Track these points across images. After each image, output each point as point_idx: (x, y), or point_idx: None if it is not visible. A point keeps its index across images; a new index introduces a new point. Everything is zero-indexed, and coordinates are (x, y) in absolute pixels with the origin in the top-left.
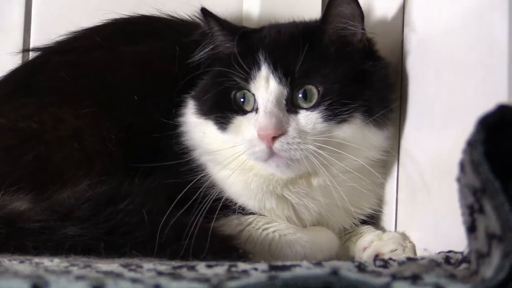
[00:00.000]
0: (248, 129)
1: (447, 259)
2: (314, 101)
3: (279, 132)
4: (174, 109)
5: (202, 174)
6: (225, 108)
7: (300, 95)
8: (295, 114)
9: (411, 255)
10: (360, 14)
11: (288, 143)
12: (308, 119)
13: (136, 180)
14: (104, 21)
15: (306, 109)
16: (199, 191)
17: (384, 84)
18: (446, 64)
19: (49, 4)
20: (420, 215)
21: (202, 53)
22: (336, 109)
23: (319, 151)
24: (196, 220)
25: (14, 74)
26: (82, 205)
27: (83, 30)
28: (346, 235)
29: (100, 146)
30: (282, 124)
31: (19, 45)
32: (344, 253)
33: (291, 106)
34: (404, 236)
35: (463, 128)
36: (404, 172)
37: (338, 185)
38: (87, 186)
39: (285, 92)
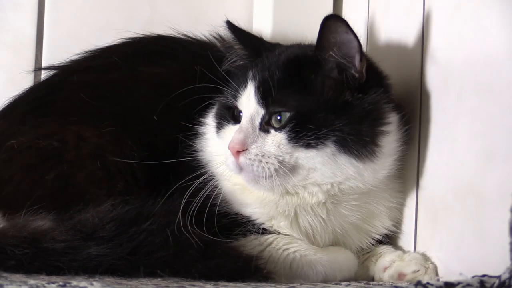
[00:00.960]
0: (229, 139)
1: (482, 284)
2: (282, 122)
3: (242, 147)
4: (193, 128)
5: (214, 186)
6: (223, 115)
7: (274, 117)
8: (266, 133)
9: (433, 276)
10: (356, 44)
11: (250, 159)
12: (275, 139)
13: (159, 200)
14: (120, 41)
15: (275, 128)
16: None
17: (365, 117)
18: (469, 89)
19: (61, 22)
20: (441, 236)
21: (225, 65)
22: (300, 133)
23: (283, 170)
24: (220, 240)
25: (30, 93)
26: (106, 225)
27: (98, 49)
28: (364, 255)
29: (123, 165)
30: (247, 140)
31: (31, 63)
32: (363, 273)
33: (264, 125)
34: (425, 257)
35: (488, 151)
36: (424, 194)
37: (341, 205)
38: (111, 206)
39: (261, 112)
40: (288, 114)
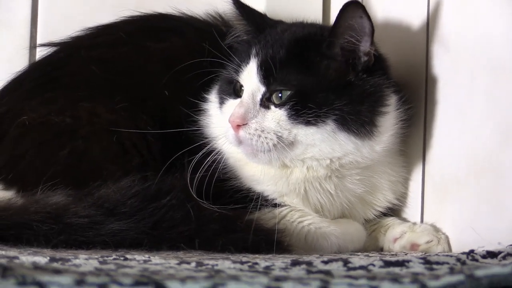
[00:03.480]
0: (230, 113)
1: None
2: (282, 99)
3: (243, 121)
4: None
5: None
6: (225, 90)
7: (275, 94)
8: (266, 109)
9: (446, 246)
10: (370, 28)
11: (249, 133)
12: (275, 115)
13: (177, 175)
14: (122, 18)
15: (276, 105)
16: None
17: (366, 99)
18: (483, 68)
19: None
20: (453, 209)
21: (229, 40)
22: (300, 111)
23: (281, 145)
24: (238, 214)
25: (34, 69)
26: (128, 201)
27: (100, 26)
28: (372, 226)
29: (138, 139)
30: (248, 115)
31: (26, 41)
32: (372, 244)
33: (265, 101)
34: (435, 228)
35: (505, 128)
36: (431, 168)
37: (346, 179)
38: (131, 181)
39: (262, 89)
40: (289, 92)
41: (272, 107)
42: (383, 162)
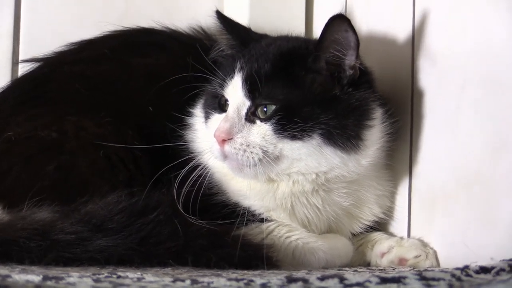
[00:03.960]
0: (215, 127)
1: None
2: (267, 114)
3: (228, 136)
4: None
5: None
6: (210, 105)
7: (260, 109)
8: (252, 123)
9: (434, 261)
10: (355, 42)
11: (234, 148)
12: (260, 129)
13: (163, 190)
14: (104, 33)
15: (261, 119)
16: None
17: (351, 113)
18: (473, 81)
19: (38, 14)
20: (442, 223)
21: (213, 54)
22: (286, 125)
23: (266, 160)
24: (226, 229)
25: (18, 85)
26: (115, 217)
27: (83, 41)
28: (358, 241)
29: (125, 154)
30: (233, 130)
31: (8, 55)
32: (359, 258)
33: (250, 116)
34: (423, 243)
35: (496, 141)
36: (418, 182)
37: (333, 193)
38: (118, 197)
39: (247, 103)
40: (274, 107)
41: (258, 121)
42: (370, 176)
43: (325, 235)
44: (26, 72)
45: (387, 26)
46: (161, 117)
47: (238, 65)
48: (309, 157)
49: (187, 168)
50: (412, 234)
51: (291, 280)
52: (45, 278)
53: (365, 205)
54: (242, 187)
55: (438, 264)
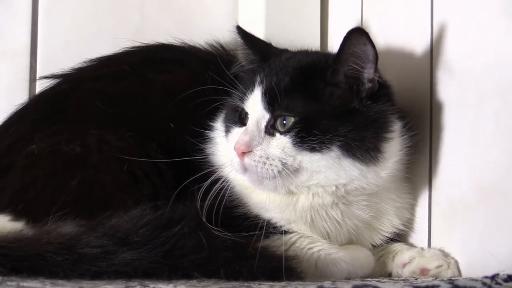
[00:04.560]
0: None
1: None
2: (286, 126)
3: (247, 149)
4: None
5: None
6: (231, 119)
7: (279, 121)
8: (271, 136)
9: (456, 271)
10: (374, 55)
11: (254, 160)
12: (279, 142)
13: (187, 203)
14: (124, 50)
15: (280, 132)
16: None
17: (370, 125)
18: (491, 92)
19: (54, 30)
20: (462, 233)
21: (234, 69)
22: (305, 137)
23: (286, 172)
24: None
25: (39, 101)
26: (140, 230)
27: (102, 58)
28: (379, 252)
29: (149, 168)
30: (253, 142)
31: (26, 71)
32: (380, 269)
33: (270, 129)
34: (444, 253)
35: None
36: (438, 194)
37: (353, 205)
38: (142, 210)
39: (267, 116)
40: (293, 119)
41: (277, 134)
42: (389, 188)
43: (347, 246)
44: (46, 89)
45: (404, 39)
46: (182, 132)
47: (258, 79)
48: (328, 169)
49: (209, 181)
50: (432, 245)
51: None
52: None
53: (385, 217)
54: (263, 200)
55: (459, 274)
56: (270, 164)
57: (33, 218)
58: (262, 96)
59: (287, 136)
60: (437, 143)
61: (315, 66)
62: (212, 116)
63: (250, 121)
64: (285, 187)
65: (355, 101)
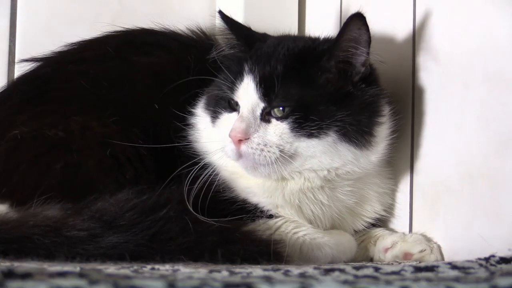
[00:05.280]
0: (227, 127)
1: None
2: (284, 113)
3: (245, 136)
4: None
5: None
6: (218, 104)
7: (276, 108)
8: (267, 122)
9: (439, 255)
10: (367, 39)
11: (252, 148)
12: (277, 128)
13: (174, 187)
14: (105, 34)
15: (277, 118)
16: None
17: (365, 109)
18: (477, 79)
19: (34, 14)
20: (446, 218)
21: (215, 53)
22: (303, 123)
23: (284, 158)
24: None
25: (21, 84)
26: (126, 214)
27: (83, 41)
28: (360, 237)
29: (131, 152)
30: (250, 130)
31: (4, 54)
32: (361, 254)
33: (265, 115)
34: (426, 238)
35: (503, 137)
36: (420, 178)
37: (337, 190)
38: (128, 194)
39: (262, 104)
40: (290, 106)
41: (274, 120)
42: (373, 173)
43: (330, 231)
44: (27, 72)
45: (386, 25)
46: (164, 116)
47: (246, 67)
48: (323, 154)
49: (196, 168)
50: (414, 230)
51: (328, 270)
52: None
53: (367, 203)
54: (250, 185)
55: (442, 258)
56: (268, 151)
57: (17, 202)
58: (256, 85)
59: (285, 123)
60: (419, 128)
61: (309, 52)
62: (192, 101)
63: (244, 109)
64: (278, 173)
65: (350, 85)
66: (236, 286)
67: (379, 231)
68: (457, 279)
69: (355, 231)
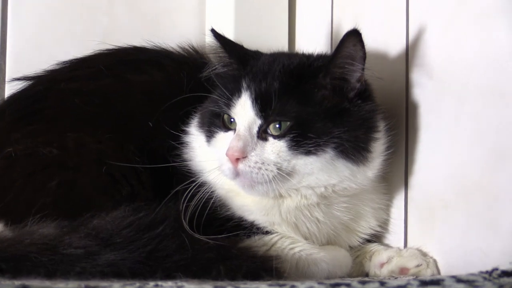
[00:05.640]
0: (224, 146)
1: None
2: (282, 131)
3: (242, 155)
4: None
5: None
6: (213, 123)
7: (272, 126)
8: (264, 140)
9: (435, 270)
10: (363, 55)
11: (249, 166)
12: (274, 146)
13: (170, 204)
14: (97, 52)
15: (274, 136)
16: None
17: (361, 125)
18: (472, 92)
19: (23, 32)
20: (442, 232)
21: (208, 71)
22: (301, 141)
23: (282, 176)
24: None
25: (13, 102)
26: (123, 231)
27: (75, 59)
28: (356, 253)
29: (127, 169)
30: (247, 148)
31: None
32: (357, 269)
33: (262, 133)
34: (422, 252)
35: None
36: (415, 193)
37: (332, 207)
38: (124, 211)
39: (258, 121)
40: (288, 123)
41: (271, 138)
42: (369, 189)
43: (326, 247)
44: (19, 90)
45: (379, 40)
46: (159, 134)
47: (243, 84)
48: (321, 171)
49: (191, 187)
50: (409, 245)
51: (333, 285)
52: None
53: (363, 219)
54: (247, 202)
55: (438, 273)
56: (266, 169)
57: (12, 220)
58: (252, 102)
59: (282, 141)
60: (413, 143)
61: (304, 69)
62: (186, 120)
63: (241, 127)
64: (276, 191)
65: (346, 101)
66: None
67: (374, 246)
68: None
69: (350, 246)
